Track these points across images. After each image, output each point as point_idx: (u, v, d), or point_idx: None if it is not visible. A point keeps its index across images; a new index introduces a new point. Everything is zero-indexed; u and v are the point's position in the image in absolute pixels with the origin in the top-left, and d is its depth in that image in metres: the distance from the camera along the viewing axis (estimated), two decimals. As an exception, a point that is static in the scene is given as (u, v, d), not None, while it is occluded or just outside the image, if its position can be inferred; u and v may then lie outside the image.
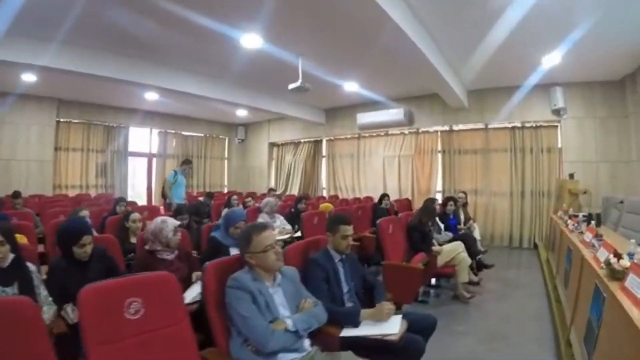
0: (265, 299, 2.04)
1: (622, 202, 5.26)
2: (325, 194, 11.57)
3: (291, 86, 6.95)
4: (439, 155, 9.46)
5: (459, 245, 4.94)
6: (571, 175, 7.13)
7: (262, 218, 5.84)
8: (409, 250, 4.80)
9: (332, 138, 11.55)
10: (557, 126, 8.09)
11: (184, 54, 6.93)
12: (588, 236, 3.31)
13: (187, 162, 8.13)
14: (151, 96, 9.46)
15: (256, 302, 2.00)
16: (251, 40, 6.02)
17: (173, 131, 12.72)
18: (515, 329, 4.03)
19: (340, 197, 10.67)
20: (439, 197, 9.18)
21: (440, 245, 5.16)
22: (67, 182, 10.48)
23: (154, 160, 12.45)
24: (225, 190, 13.45)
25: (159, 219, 3.12)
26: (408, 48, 5.45)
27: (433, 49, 6.17)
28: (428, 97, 9.25)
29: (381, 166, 10.43)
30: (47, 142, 9.80)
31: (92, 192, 10.60)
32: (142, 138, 12.35)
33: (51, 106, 9.82)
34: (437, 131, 9.51)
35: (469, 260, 4.88)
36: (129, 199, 10.99)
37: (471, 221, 6.89)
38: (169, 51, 6.77)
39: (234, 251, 3.15)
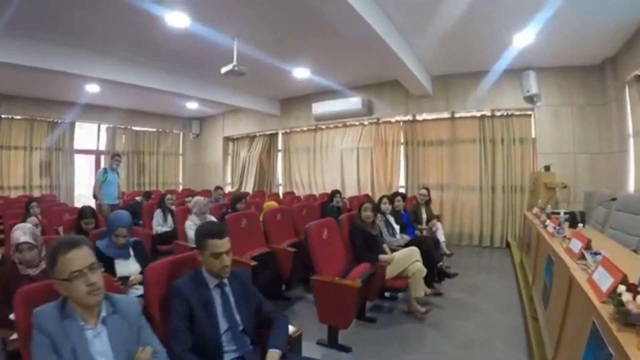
0: (72, 347, 1.41)
1: (614, 199, 4.30)
2: (281, 190, 10.48)
3: (224, 69, 6.02)
4: (402, 147, 8.45)
5: (413, 252, 3.91)
6: (547, 168, 6.20)
7: (190, 221, 4.91)
8: (352, 260, 3.80)
9: (287, 131, 10.43)
10: (530, 115, 7.17)
11: (116, 39, 6.01)
12: (575, 244, 2.33)
13: (115, 156, 7.05)
14: (92, 88, 8.45)
15: (58, 351, 1.39)
16: (177, 18, 5.17)
17: (122, 126, 11.56)
18: (481, 356, 3.07)
19: (297, 193, 9.63)
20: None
21: (394, 251, 4.17)
22: (10, 183, 9.54)
23: (102, 157, 11.21)
24: (180, 188, 12.28)
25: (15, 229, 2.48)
26: (359, 27, 4.67)
27: (390, 28, 5.31)
28: (388, 85, 8.26)
29: (339, 160, 9.35)
30: None
31: (36, 193, 9.59)
32: (89, 134, 11.17)
33: None
34: (399, 121, 8.49)
35: (424, 271, 3.86)
36: (76, 198, 10.45)
37: (434, 220, 5.93)
38: (101, 37, 5.94)
39: (119, 265, 2.83)
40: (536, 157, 7.09)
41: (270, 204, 6.05)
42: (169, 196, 6.35)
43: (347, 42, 5.83)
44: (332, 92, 8.81)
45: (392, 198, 5.46)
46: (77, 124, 10.58)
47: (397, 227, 4.92)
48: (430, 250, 4.38)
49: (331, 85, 8.51)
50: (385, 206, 4.90)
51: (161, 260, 2.12)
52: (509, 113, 7.32)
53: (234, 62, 5.98)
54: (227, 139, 11.99)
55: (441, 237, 5.80)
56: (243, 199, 5.75)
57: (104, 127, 11.23)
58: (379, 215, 4.75)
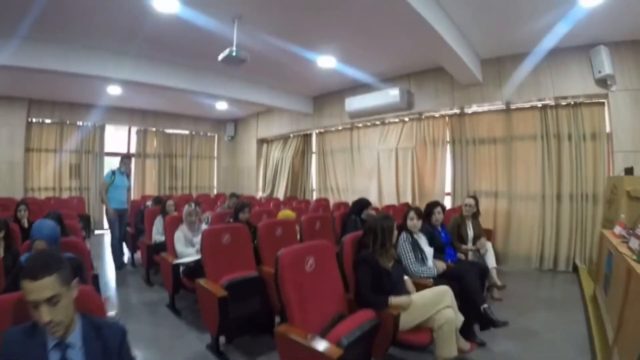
0: None
1: None
2: (315, 196, 9.43)
3: (221, 56, 5.08)
4: (448, 147, 7.07)
5: (444, 295, 2.64)
6: (628, 170, 4.63)
7: (180, 231, 4.16)
8: (347, 301, 2.65)
9: (322, 130, 9.35)
10: (603, 103, 5.53)
11: (132, 37, 5.53)
12: None
13: (125, 158, 6.35)
14: (114, 90, 8.14)
15: None
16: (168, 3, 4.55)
17: (154, 129, 11.09)
18: None
19: (332, 200, 8.55)
20: (448, 201, 6.91)
21: (422, 287, 2.95)
22: (40, 185, 9.48)
23: (133, 160, 10.75)
24: (215, 192, 11.65)
25: None
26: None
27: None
28: (430, 73, 6.95)
29: (375, 163, 8.09)
30: (17, 143, 8.88)
31: (66, 195, 9.57)
32: (120, 137, 10.87)
33: (21, 106, 8.95)
34: (444, 116, 7.12)
35: (459, 321, 2.64)
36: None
37: (483, 240, 4.59)
38: (118, 36, 5.58)
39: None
40: (613, 156, 5.40)
41: (286, 213, 5.03)
42: (170, 202, 5.53)
43: (381, 24, 4.85)
44: (367, 86, 7.63)
45: (429, 210, 4.23)
46: (107, 126, 10.33)
47: (429, 251, 3.66)
48: (472, 287, 3.12)
49: (364, 78, 7.36)
50: (413, 222, 3.65)
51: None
52: (577, 101, 5.71)
53: (234, 46, 5.03)
54: (262, 141, 11.12)
55: (492, 262, 4.46)
56: (246, 207, 4.71)
57: (134, 129, 10.84)
58: (403, 233, 3.55)
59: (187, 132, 11.67)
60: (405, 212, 3.76)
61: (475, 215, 4.85)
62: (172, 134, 11.42)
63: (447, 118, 7.07)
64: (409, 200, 7.27)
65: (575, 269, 5.48)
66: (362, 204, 5.05)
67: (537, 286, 5.12)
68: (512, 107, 6.30)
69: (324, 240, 2.83)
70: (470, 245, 4.65)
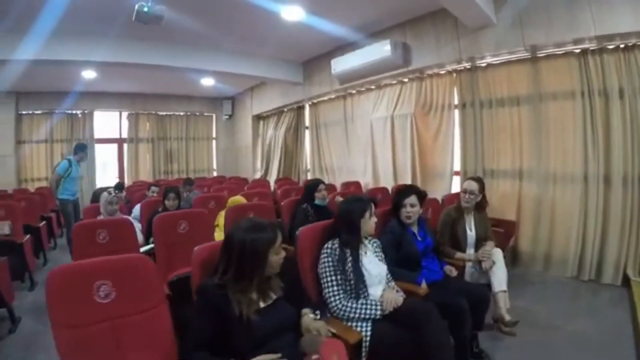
0: None
1: None
2: (309, 177, 7.94)
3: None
4: (456, 112, 5.26)
5: None
6: None
7: None
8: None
9: (314, 101, 7.73)
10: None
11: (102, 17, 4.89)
12: None
13: (81, 147, 5.65)
14: (89, 74, 7.39)
15: None
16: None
17: (145, 112, 10.04)
18: None
19: (327, 181, 7.05)
20: (456, 183, 5.23)
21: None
22: (33, 175, 9.17)
23: (125, 145, 10.02)
24: (214, 175, 10.52)
25: None
26: None
27: None
28: (429, 18, 5.15)
29: (369, 135, 6.38)
30: (7, 137, 8.59)
31: None
32: (111, 123, 9.96)
33: (9, 100, 8.58)
34: (451, 72, 5.29)
35: None
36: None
37: (489, 245, 2.98)
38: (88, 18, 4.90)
39: None
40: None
41: (236, 200, 3.96)
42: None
43: None
44: (356, 45, 5.87)
45: (397, 200, 2.75)
46: (98, 113, 9.54)
47: (378, 272, 2.18)
48: (433, 344, 1.73)
49: (348, 33, 5.71)
50: (367, 225, 2.23)
51: None
52: (629, 43, 3.72)
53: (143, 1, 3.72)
54: (257, 118, 9.67)
55: (500, 282, 2.81)
56: (170, 194, 3.94)
57: (125, 114, 9.87)
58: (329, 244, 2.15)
59: (181, 113, 10.51)
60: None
61: (481, 208, 3.21)
62: (165, 115, 10.36)
63: (454, 75, 5.24)
64: (409, 181, 5.60)
65: (627, 282, 3.64)
66: (312, 186, 3.76)
67: (571, 305, 3.35)
68: (540, 53, 4.36)
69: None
70: (470, 252, 3.07)
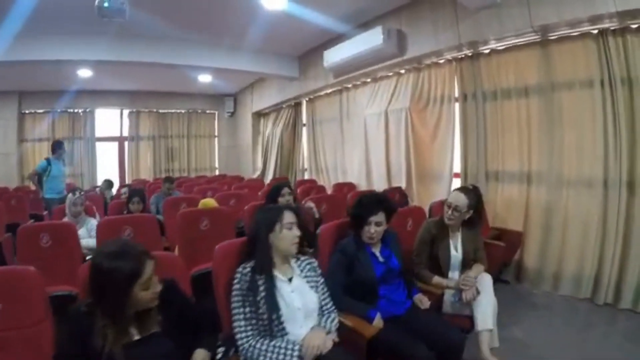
0: None
1: None
2: (306, 177, 7.39)
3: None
4: (456, 106, 4.57)
5: None
6: None
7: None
8: None
9: (311, 97, 7.17)
10: None
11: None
12: None
13: (58, 145, 5.62)
14: (84, 73, 7.15)
15: None
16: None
17: (146, 110, 9.78)
18: None
19: (321, 182, 6.53)
20: (457, 186, 4.56)
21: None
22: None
23: (126, 143, 9.83)
24: (216, 173, 10.16)
25: None
26: None
27: None
28: (427, 1, 4.51)
29: (362, 132, 5.74)
30: (10, 136, 8.61)
31: None
32: (112, 121, 9.79)
33: (12, 100, 8.62)
34: (451, 61, 4.60)
35: None
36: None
37: (477, 269, 2.36)
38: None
39: None
40: None
41: (207, 202, 3.68)
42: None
43: None
44: (350, 34, 5.29)
45: (359, 212, 2.19)
46: (98, 111, 9.39)
47: (305, 304, 1.68)
48: None
49: (338, 22, 5.16)
50: (282, 242, 1.78)
51: None
52: None
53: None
54: (258, 115, 9.22)
55: (486, 319, 2.16)
56: (135, 197, 3.90)
57: (126, 112, 9.66)
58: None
59: (182, 110, 10.19)
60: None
61: (471, 223, 2.56)
62: (166, 113, 10.08)
63: (454, 63, 4.57)
64: (403, 183, 4.98)
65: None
66: (274, 190, 3.28)
67: (579, 338, 2.64)
68: (551, 36, 3.64)
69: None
70: (453, 276, 2.44)
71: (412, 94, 4.94)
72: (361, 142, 5.72)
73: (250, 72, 7.05)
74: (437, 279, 2.37)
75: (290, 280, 1.70)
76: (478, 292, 2.19)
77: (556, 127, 3.68)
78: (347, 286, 2.02)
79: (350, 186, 5.63)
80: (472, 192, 2.51)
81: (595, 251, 3.27)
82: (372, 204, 2.12)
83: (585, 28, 3.37)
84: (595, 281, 3.24)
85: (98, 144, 9.34)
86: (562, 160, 3.63)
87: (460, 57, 4.45)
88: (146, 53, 5.82)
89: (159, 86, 9.14)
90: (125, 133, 9.70)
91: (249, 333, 1.56)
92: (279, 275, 1.69)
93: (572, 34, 3.51)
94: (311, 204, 3.42)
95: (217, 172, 10.33)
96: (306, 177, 7.31)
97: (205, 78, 8.03)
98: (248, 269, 1.65)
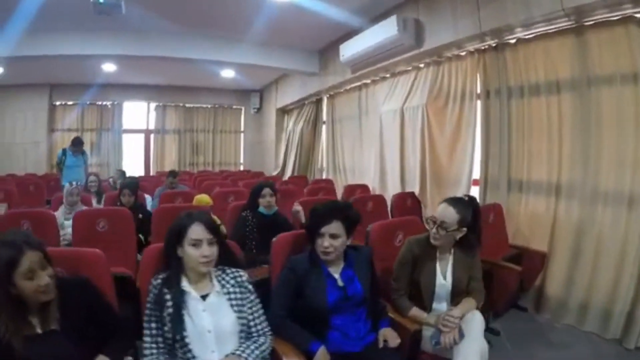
0: None
1: None
2: (323, 176, 7.06)
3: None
4: (478, 104, 4.05)
5: None
6: None
7: (60, 212, 3.52)
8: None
9: (331, 93, 6.82)
10: None
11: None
12: None
13: (74, 142, 5.88)
14: (109, 67, 7.41)
15: None
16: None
17: (172, 104, 9.93)
18: None
19: (339, 182, 6.20)
20: (475, 194, 4.03)
21: None
22: None
23: (152, 136, 10.06)
24: (241, 169, 10.09)
25: None
26: None
27: None
28: (445, -15, 4.05)
29: (377, 131, 5.28)
30: (40, 125, 9.06)
31: None
32: (139, 114, 10.11)
33: (43, 92, 9.03)
34: (472, 52, 4.06)
35: None
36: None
37: (467, 304, 1.91)
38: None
39: None
40: None
41: (201, 199, 3.65)
42: (92, 178, 4.87)
43: None
44: (366, 25, 4.91)
45: (314, 223, 1.85)
46: (125, 104, 9.70)
47: (217, 327, 1.46)
48: None
49: (355, 14, 4.84)
50: (191, 258, 1.55)
51: None
52: None
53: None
54: (282, 111, 9.03)
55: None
56: (126, 190, 3.69)
57: (152, 105, 9.86)
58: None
59: (208, 105, 10.25)
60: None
61: (468, 245, 2.08)
62: (192, 108, 10.20)
63: (476, 56, 4.04)
64: (416, 188, 4.51)
65: None
66: (255, 190, 2.97)
67: None
68: (587, 21, 3.06)
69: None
70: (439, 308, 2.00)
71: (429, 90, 4.44)
72: (376, 141, 5.30)
73: (269, 67, 6.86)
74: (415, 310, 1.96)
75: (204, 297, 1.44)
76: (462, 336, 1.75)
77: (592, 129, 3.07)
78: (295, 310, 1.69)
79: (364, 189, 5.23)
80: (466, 205, 2.04)
81: (632, 284, 2.68)
82: (325, 211, 1.77)
83: (629, 11, 2.77)
84: (628, 320, 2.65)
85: (125, 136, 9.66)
86: (599, 171, 3.02)
87: (483, 48, 3.93)
88: (165, 48, 5.90)
89: (184, 81, 9.23)
90: (152, 126, 9.94)
91: (154, 351, 1.40)
92: (192, 291, 1.45)
93: (611, 18, 2.91)
94: (298, 208, 3.11)
95: (241, 168, 10.31)
96: (324, 176, 6.98)
97: (227, 73, 7.95)
98: (159, 281, 1.45)
